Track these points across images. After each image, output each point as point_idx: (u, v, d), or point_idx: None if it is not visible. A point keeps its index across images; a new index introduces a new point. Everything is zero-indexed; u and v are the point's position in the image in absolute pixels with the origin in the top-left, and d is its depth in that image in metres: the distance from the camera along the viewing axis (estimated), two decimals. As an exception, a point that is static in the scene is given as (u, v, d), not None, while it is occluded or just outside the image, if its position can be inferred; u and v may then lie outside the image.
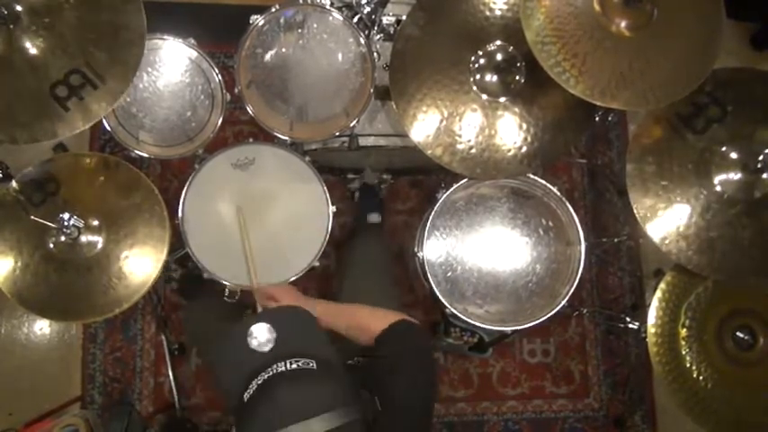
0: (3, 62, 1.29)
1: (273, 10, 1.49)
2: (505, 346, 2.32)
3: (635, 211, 1.51)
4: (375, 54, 1.52)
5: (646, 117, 1.54)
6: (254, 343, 0.94)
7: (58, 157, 1.60)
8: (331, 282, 2.23)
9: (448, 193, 1.66)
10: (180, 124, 1.63)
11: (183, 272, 2.09)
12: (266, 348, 0.94)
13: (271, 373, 0.89)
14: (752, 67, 1.58)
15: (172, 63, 1.60)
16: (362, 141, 1.66)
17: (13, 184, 1.47)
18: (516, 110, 1.53)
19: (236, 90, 1.52)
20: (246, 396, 0.89)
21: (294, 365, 0.90)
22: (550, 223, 1.72)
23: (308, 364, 0.91)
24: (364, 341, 1.29)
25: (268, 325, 0.96)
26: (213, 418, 2.18)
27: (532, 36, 1.34)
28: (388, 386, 1.09)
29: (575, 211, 1.67)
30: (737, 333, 1.61)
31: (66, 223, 1.42)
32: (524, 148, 1.54)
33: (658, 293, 1.62)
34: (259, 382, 0.89)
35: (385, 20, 1.58)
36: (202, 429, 2.16)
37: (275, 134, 1.56)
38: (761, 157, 1.44)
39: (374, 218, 2.15)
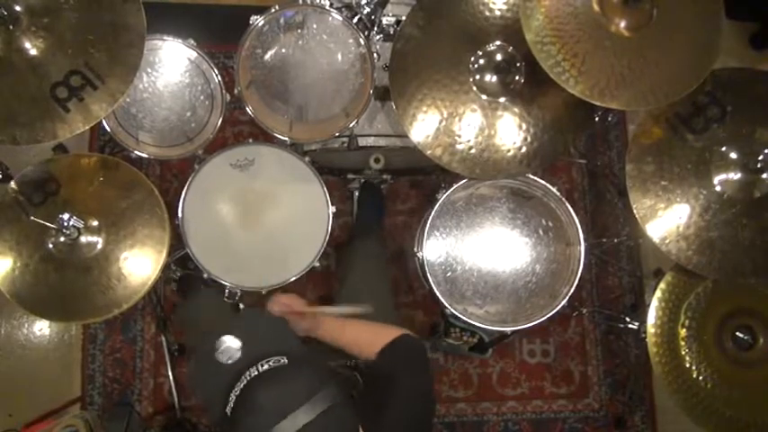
0: (3, 63, 1.29)
1: (273, 11, 1.49)
2: (505, 347, 2.32)
3: (635, 212, 1.51)
4: (375, 54, 1.52)
5: (645, 117, 1.54)
6: (222, 358, 0.95)
7: (58, 157, 1.60)
8: (331, 282, 2.23)
9: (448, 193, 1.66)
10: (179, 125, 1.63)
11: (183, 272, 2.09)
12: (236, 359, 0.95)
13: (245, 381, 0.90)
14: (751, 67, 1.58)
15: (171, 64, 1.60)
16: (362, 141, 1.66)
17: (13, 184, 1.48)
18: (516, 110, 1.53)
19: (235, 90, 1.52)
20: (228, 410, 0.90)
21: (265, 366, 0.91)
22: (550, 223, 1.72)
23: (279, 360, 0.92)
24: (366, 357, 1.29)
25: (231, 336, 0.96)
26: (213, 419, 2.18)
27: (532, 36, 1.34)
28: (387, 402, 1.09)
29: (574, 211, 1.67)
30: (737, 333, 1.61)
31: (65, 224, 1.42)
32: (524, 149, 1.54)
33: (658, 293, 1.62)
34: (236, 392, 0.90)
35: (385, 20, 1.58)
36: (202, 430, 2.16)
37: (275, 134, 1.56)
38: (760, 157, 1.44)
39: (375, 214, 2.14)
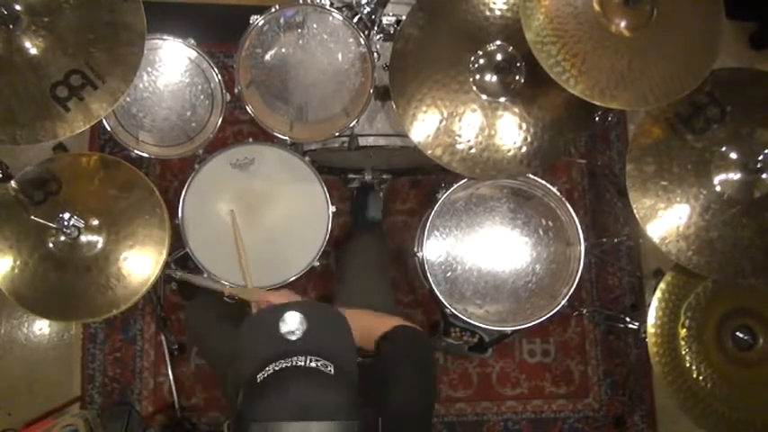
0: (3, 62, 1.29)
1: (273, 10, 1.49)
2: (505, 347, 2.32)
3: (635, 212, 1.51)
4: (375, 54, 1.52)
5: (645, 117, 1.54)
6: (283, 328, 0.95)
7: (59, 156, 1.60)
8: (330, 282, 2.23)
9: (448, 193, 1.66)
10: (180, 124, 1.63)
11: (183, 272, 2.09)
12: (293, 337, 0.95)
13: (288, 364, 0.89)
14: (751, 67, 1.58)
15: (172, 63, 1.60)
16: (362, 141, 1.66)
17: (13, 183, 1.47)
18: (516, 110, 1.53)
19: (235, 90, 1.52)
20: (260, 377, 0.89)
21: (313, 363, 0.90)
22: (550, 223, 1.73)
23: (327, 367, 0.91)
24: (366, 345, 1.29)
25: (302, 315, 0.96)
26: (213, 419, 2.18)
27: (532, 36, 1.34)
28: (386, 392, 1.09)
29: (574, 211, 1.67)
30: (737, 333, 1.61)
31: (66, 223, 1.42)
32: (524, 149, 1.54)
33: (658, 293, 1.62)
34: (276, 368, 0.89)
35: (385, 20, 1.58)
36: (202, 429, 2.16)
37: (275, 134, 1.56)
38: (760, 158, 1.44)
39: (374, 213, 2.15)
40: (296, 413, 0.84)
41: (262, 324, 1.00)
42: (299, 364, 0.89)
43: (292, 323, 0.95)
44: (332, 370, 0.91)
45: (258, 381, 0.89)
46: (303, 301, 0.97)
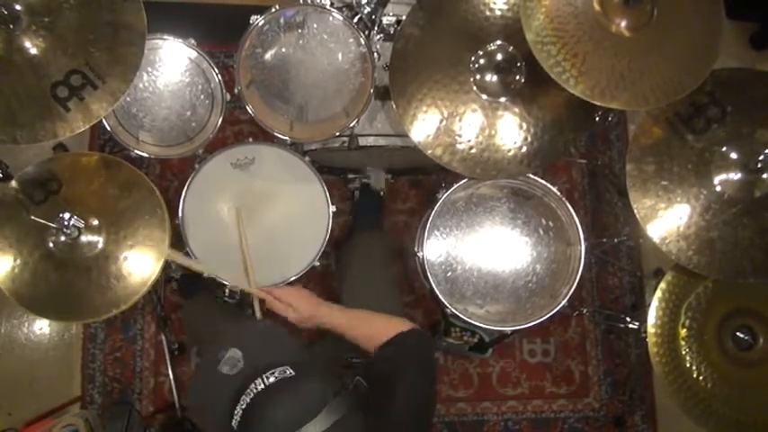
0: (3, 62, 1.29)
1: (273, 10, 1.49)
2: (505, 347, 2.32)
3: (635, 212, 1.51)
4: (375, 54, 1.52)
5: (645, 117, 1.54)
6: (224, 369, 0.94)
7: (60, 156, 1.60)
8: (331, 282, 2.23)
9: (448, 193, 1.66)
10: (180, 124, 1.63)
11: (184, 272, 2.09)
12: (238, 369, 0.94)
13: (252, 394, 0.89)
14: (751, 67, 1.58)
15: (172, 63, 1.60)
16: (362, 141, 1.66)
17: (14, 183, 1.47)
18: (516, 110, 1.53)
19: (236, 90, 1.52)
20: (235, 423, 0.89)
21: (272, 378, 0.90)
22: (550, 223, 1.73)
23: (285, 371, 0.91)
24: (370, 348, 1.28)
25: (232, 347, 0.95)
26: (213, 418, 2.18)
27: (532, 36, 1.34)
28: (390, 394, 1.09)
29: (575, 211, 1.67)
30: (737, 333, 1.61)
31: (66, 223, 1.42)
32: (524, 148, 1.54)
33: (658, 293, 1.62)
34: (243, 406, 0.88)
35: (385, 20, 1.58)
36: (201, 429, 2.16)
37: (275, 134, 1.56)
38: (761, 157, 1.44)
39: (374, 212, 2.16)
40: (290, 429, 0.84)
41: (205, 381, 0.98)
42: (260, 387, 0.89)
43: (230, 358, 0.95)
44: (291, 371, 0.91)
45: (236, 427, 0.88)
46: (222, 335, 0.96)
